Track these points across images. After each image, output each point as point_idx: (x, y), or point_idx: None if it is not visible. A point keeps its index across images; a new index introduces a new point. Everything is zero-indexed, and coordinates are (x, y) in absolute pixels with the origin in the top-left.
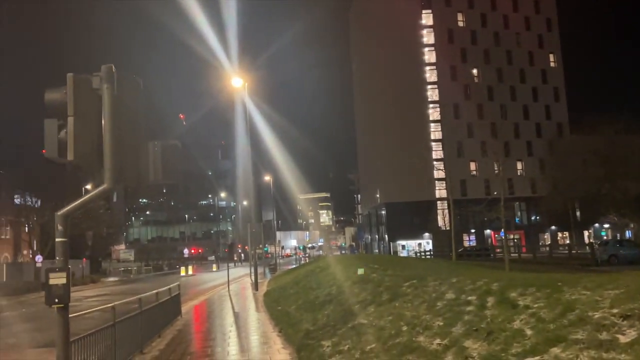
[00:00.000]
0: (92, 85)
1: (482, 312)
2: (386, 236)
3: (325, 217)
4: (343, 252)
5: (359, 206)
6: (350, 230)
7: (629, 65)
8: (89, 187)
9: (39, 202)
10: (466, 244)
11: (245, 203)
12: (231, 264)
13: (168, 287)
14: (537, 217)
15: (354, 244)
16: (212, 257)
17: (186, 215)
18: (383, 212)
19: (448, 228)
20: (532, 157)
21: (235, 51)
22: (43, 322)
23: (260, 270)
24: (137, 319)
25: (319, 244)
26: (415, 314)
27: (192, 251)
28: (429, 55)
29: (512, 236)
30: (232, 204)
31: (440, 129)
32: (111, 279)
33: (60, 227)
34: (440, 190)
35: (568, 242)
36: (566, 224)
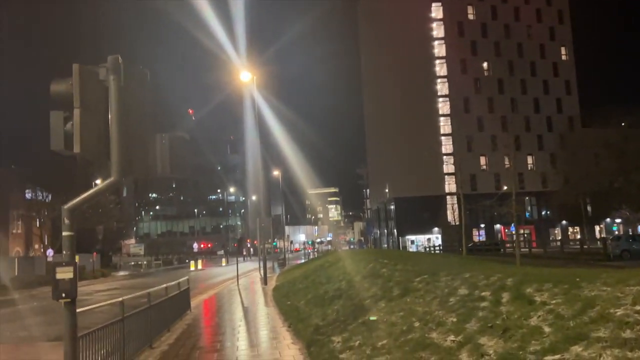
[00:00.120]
0: (98, 76)
1: (497, 308)
2: (395, 231)
3: (334, 212)
4: (352, 247)
5: (368, 201)
6: (358, 225)
7: None
8: (99, 182)
9: (50, 197)
10: (476, 239)
11: (254, 198)
12: (240, 259)
13: (177, 281)
14: (548, 212)
15: (362, 238)
16: (222, 252)
17: (195, 210)
18: (392, 207)
19: (457, 223)
20: (542, 151)
21: (244, 45)
22: (54, 315)
23: (269, 264)
24: (146, 314)
25: (328, 238)
26: (427, 310)
27: (202, 246)
28: (439, 49)
29: (522, 231)
30: (241, 198)
31: (450, 123)
32: (121, 273)
33: (67, 221)
34: (450, 185)
35: (579, 237)
36: (577, 219)
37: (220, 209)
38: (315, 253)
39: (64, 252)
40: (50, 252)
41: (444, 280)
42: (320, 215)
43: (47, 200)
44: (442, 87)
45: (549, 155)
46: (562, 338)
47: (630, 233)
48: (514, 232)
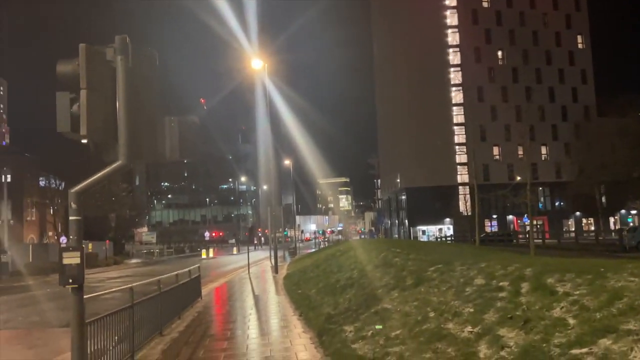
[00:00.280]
0: (106, 57)
1: (516, 299)
2: (406, 221)
3: (345, 202)
4: (362, 236)
5: (379, 191)
6: (369, 215)
7: None
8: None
9: (63, 184)
10: (488, 229)
11: (265, 187)
12: (251, 248)
13: (188, 269)
14: (561, 203)
15: (373, 228)
16: (233, 240)
17: (207, 199)
18: (403, 197)
19: (469, 213)
20: (557, 141)
21: (255, 32)
22: (66, 301)
23: (280, 253)
24: (156, 301)
25: (338, 228)
26: (442, 300)
27: (213, 234)
28: (453, 37)
29: (535, 222)
30: (253, 187)
31: (462, 113)
32: (134, 260)
33: (74, 205)
34: (462, 175)
35: (593, 228)
36: (591, 210)
37: (232, 198)
38: (326, 242)
39: (71, 236)
40: (63, 239)
41: (459, 269)
42: (331, 205)
43: (60, 188)
44: (455, 76)
45: (564, 145)
46: (588, 330)
47: None
48: (526, 223)
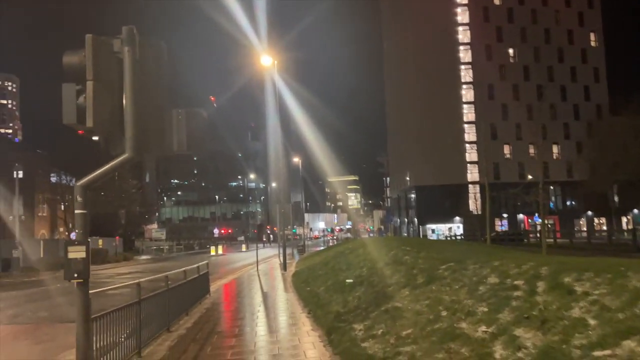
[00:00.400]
0: (112, 48)
1: (532, 298)
2: (416, 220)
3: (354, 200)
4: (371, 235)
5: (388, 189)
6: (378, 214)
7: None
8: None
9: (74, 181)
10: (498, 228)
11: (274, 185)
12: (260, 245)
13: (196, 265)
14: (573, 202)
15: (382, 227)
16: (242, 238)
17: (216, 196)
18: (413, 195)
19: (480, 212)
20: (569, 140)
21: (265, 29)
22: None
23: (288, 251)
24: (163, 297)
25: (347, 226)
26: (455, 299)
27: (222, 231)
28: (463, 35)
29: (546, 221)
30: (262, 185)
31: (473, 111)
32: (144, 257)
33: (79, 198)
34: (473, 174)
35: (605, 228)
36: (603, 210)
37: (241, 196)
38: (335, 240)
39: (77, 230)
40: (74, 235)
41: (471, 268)
42: (340, 203)
43: (71, 184)
44: (466, 74)
45: (576, 144)
46: (611, 332)
47: None
48: (537, 222)
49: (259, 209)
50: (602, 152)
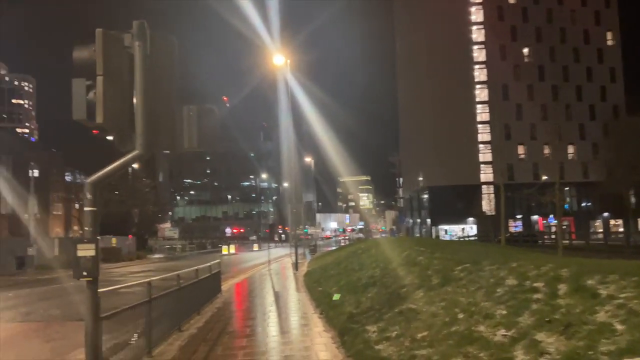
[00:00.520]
0: (123, 42)
1: (553, 301)
2: (428, 220)
3: (366, 200)
4: (383, 235)
5: (400, 190)
6: (390, 214)
7: None
8: (135, 165)
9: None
10: (512, 229)
11: (286, 184)
12: (272, 244)
13: (208, 264)
14: (588, 203)
15: (394, 227)
16: (254, 237)
17: (229, 196)
18: (425, 195)
19: (493, 213)
20: (584, 141)
21: (277, 28)
22: None
23: (300, 251)
24: (174, 296)
25: (359, 226)
26: (471, 301)
27: (234, 231)
28: (478, 34)
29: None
30: (274, 185)
31: (487, 111)
32: (157, 256)
33: (89, 195)
34: (486, 174)
35: (621, 229)
36: (620, 211)
37: (253, 195)
38: (347, 240)
39: (86, 228)
40: None
41: (488, 269)
42: (352, 203)
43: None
44: (480, 74)
45: (591, 145)
46: None
47: None
48: (552, 224)
49: (271, 209)
50: (618, 153)
